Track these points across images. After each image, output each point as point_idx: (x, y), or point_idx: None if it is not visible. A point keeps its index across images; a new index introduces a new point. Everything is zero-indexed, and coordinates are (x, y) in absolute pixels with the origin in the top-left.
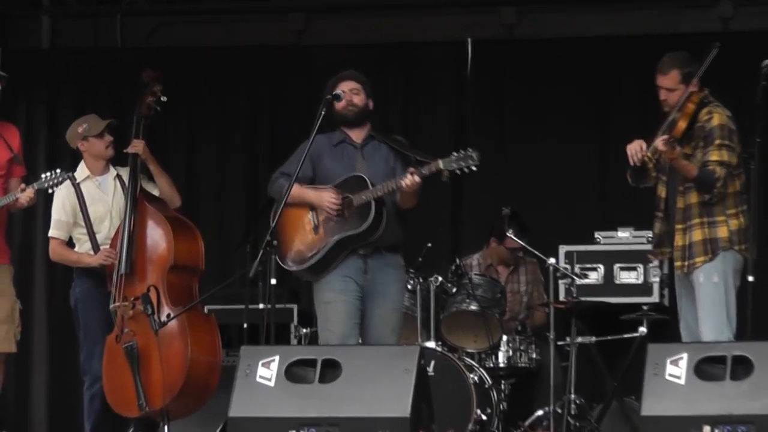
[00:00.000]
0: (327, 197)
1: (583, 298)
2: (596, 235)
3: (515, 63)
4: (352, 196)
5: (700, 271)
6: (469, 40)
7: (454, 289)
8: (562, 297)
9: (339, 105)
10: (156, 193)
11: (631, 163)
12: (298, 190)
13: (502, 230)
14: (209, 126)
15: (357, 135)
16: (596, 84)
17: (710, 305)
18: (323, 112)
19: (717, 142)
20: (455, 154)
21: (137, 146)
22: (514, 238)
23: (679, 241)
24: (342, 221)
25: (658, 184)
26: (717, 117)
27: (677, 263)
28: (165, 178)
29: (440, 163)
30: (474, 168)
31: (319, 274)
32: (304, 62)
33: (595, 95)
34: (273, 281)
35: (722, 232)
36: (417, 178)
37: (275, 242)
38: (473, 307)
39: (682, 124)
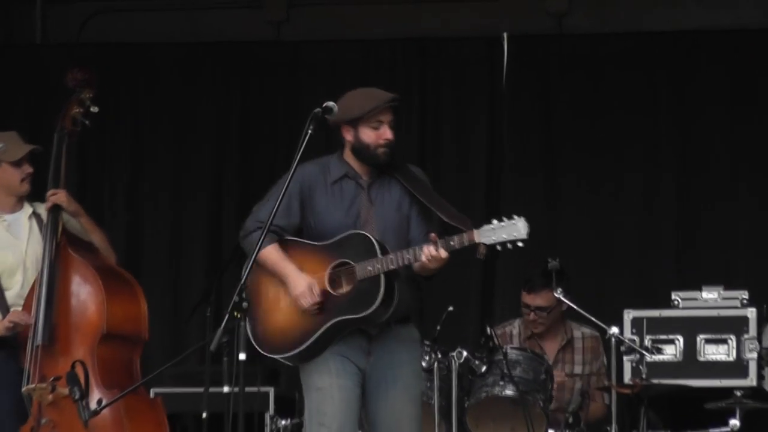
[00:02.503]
0: (302, 291)
1: (655, 381)
2: (673, 296)
3: (566, 65)
4: (355, 265)
5: None
6: (505, 35)
7: (484, 368)
8: (627, 379)
9: (367, 138)
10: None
11: None
12: (276, 256)
13: (534, 282)
14: (160, 148)
15: (365, 168)
16: (672, 94)
17: None
18: (310, 132)
19: None
20: (495, 221)
21: (58, 196)
22: (564, 299)
23: None
24: (340, 299)
25: None
26: None
27: None
28: (99, 234)
29: (475, 235)
30: (520, 244)
31: (307, 360)
32: (286, 63)
33: (670, 110)
34: (242, 356)
35: None
36: (442, 253)
37: (246, 304)
38: (509, 391)
39: None
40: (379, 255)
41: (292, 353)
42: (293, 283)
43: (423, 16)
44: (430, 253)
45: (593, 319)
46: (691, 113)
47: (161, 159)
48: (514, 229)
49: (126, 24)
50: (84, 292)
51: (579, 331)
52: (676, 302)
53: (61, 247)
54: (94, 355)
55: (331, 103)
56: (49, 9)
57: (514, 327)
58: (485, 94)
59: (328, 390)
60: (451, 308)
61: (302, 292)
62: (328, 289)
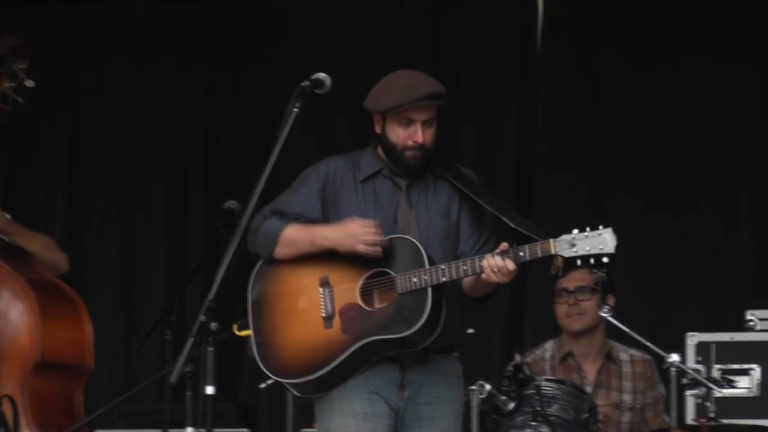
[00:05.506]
0: (358, 231)
1: (726, 421)
2: (748, 316)
3: (620, 27)
4: (396, 276)
5: None
6: None
7: (513, 405)
8: (690, 418)
9: (393, 136)
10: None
11: None
12: (301, 229)
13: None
14: (107, 134)
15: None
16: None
17: None
18: (296, 110)
19: None
20: (576, 231)
21: None
22: (613, 320)
23: None
24: (375, 315)
25: None
26: None
27: None
28: (37, 241)
29: (552, 245)
30: (605, 259)
31: (327, 389)
32: (267, 26)
33: (751, 81)
34: (210, 390)
35: None
36: (510, 264)
37: (214, 325)
38: None
39: None
40: (427, 265)
41: (306, 378)
42: (340, 236)
43: None
44: (496, 263)
45: (648, 344)
46: None
47: (109, 147)
48: (599, 241)
49: None
50: (13, 311)
51: (626, 354)
52: (752, 323)
53: None
54: (25, 389)
55: (322, 75)
56: None
57: (546, 350)
58: (515, 67)
59: None
60: (470, 330)
61: (357, 229)
62: (360, 303)
